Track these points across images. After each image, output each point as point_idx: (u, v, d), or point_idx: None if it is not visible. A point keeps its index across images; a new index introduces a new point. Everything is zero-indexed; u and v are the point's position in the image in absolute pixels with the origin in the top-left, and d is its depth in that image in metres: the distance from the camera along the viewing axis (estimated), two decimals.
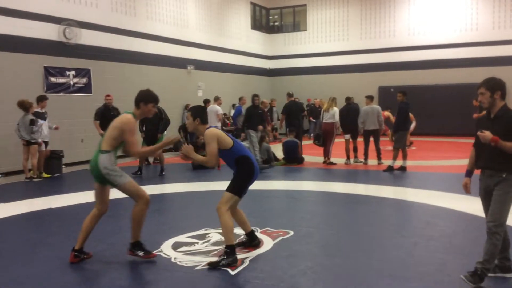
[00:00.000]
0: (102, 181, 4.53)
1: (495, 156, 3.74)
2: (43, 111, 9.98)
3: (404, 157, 10.09)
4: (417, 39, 19.57)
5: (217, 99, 13.56)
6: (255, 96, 11.17)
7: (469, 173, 4.05)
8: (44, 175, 10.00)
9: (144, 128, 10.24)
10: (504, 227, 3.74)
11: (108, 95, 10.61)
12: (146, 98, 4.58)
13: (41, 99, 10.02)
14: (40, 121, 9.73)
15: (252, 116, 10.80)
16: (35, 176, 9.70)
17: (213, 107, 13.27)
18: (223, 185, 8.93)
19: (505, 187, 3.72)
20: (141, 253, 4.60)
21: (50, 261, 4.73)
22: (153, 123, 9.96)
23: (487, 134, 3.71)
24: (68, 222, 6.37)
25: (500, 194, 3.73)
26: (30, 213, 6.95)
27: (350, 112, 11.32)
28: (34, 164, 9.68)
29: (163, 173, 10.08)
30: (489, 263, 3.70)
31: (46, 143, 10.02)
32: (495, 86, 3.79)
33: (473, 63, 18.00)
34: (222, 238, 5.25)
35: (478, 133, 3.80)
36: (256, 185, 8.93)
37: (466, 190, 4.03)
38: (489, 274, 3.86)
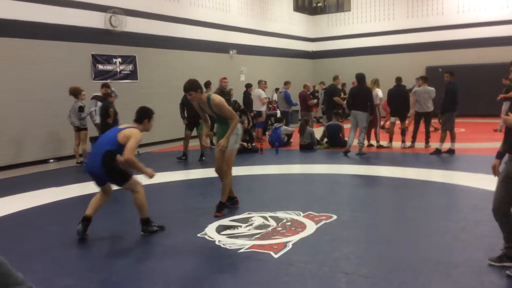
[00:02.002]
0: None
1: None
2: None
3: (453, 140, 9.79)
4: (467, 16, 18.74)
5: (260, 83, 13.61)
6: (362, 75, 10.58)
7: (499, 155, 3.83)
8: None
9: (186, 114, 10.24)
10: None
11: (224, 78, 10.78)
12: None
13: (102, 86, 10.25)
14: (94, 107, 9.99)
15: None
16: (86, 161, 10.05)
17: (257, 92, 13.35)
18: (265, 169, 9.03)
19: None
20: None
21: (101, 243, 4.94)
22: (194, 109, 9.96)
23: (510, 118, 3.51)
24: (118, 205, 6.60)
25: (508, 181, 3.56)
26: (81, 197, 7.23)
27: (398, 93, 11.00)
28: (84, 149, 10.04)
29: (203, 158, 10.20)
30: None
31: None
32: None
33: None
34: (265, 221, 5.33)
35: (502, 115, 3.58)
36: (299, 169, 9.00)
37: (494, 172, 3.83)
38: (495, 264, 3.76)
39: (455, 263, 3.94)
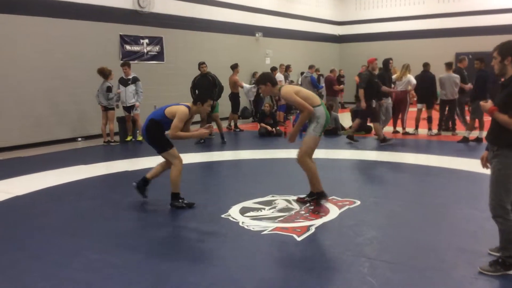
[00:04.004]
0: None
1: (494, 128, 3.46)
2: (127, 77, 10.21)
3: (481, 128, 9.61)
4: (499, 1, 18.16)
5: (280, 67, 13.88)
6: (383, 61, 10.32)
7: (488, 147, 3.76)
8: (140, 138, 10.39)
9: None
10: (504, 208, 3.40)
11: (375, 59, 9.87)
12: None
13: (121, 65, 10.42)
14: (122, 88, 10.17)
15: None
16: (112, 140, 10.25)
17: (278, 76, 13.60)
18: (289, 153, 9.03)
19: (496, 164, 3.42)
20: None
21: (128, 220, 5.06)
22: (207, 90, 9.90)
23: (487, 104, 3.46)
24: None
25: (492, 172, 3.46)
26: (109, 175, 7.40)
27: (425, 80, 10.80)
28: (112, 129, 10.22)
29: (225, 140, 10.25)
30: (506, 250, 3.45)
31: (127, 109, 10.28)
32: (506, 51, 3.40)
33: None
34: (288, 205, 5.36)
35: (481, 102, 3.57)
36: (322, 154, 8.98)
37: (482, 163, 3.73)
38: (494, 254, 3.67)
39: (480, 252, 3.90)
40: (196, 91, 10.00)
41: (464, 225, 4.65)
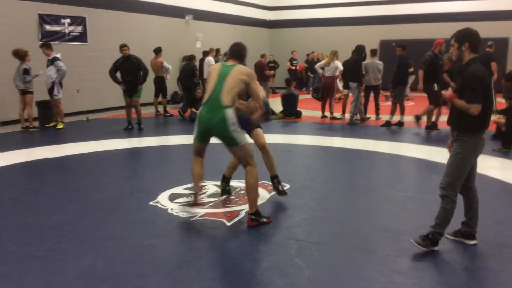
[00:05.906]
0: (223, 139, 4.29)
1: (454, 114, 3.67)
2: (50, 58, 9.65)
3: (402, 112, 10.07)
4: None
5: (210, 51, 13.70)
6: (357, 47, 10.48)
7: None
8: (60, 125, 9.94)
9: (121, 80, 9.58)
10: (454, 190, 3.60)
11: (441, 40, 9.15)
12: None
13: (39, 47, 9.79)
14: (40, 71, 9.60)
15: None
16: (31, 126, 9.66)
17: (207, 60, 13.44)
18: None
19: (455, 148, 3.63)
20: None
21: (49, 210, 4.79)
22: (131, 74, 9.51)
23: (447, 93, 3.69)
24: (65, 172, 6.42)
25: (451, 155, 3.66)
26: (28, 163, 6.98)
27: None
28: (30, 114, 9.63)
29: (142, 126, 9.82)
30: (439, 227, 3.64)
31: (49, 92, 9.72)
32: (463, 37, 3.58)
33: (483, 16, 17.44)
34: (218, 190, 5.32)
35: (442, 91, 3.78)
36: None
37: (448, 149, 3.88)
38: (450, 237, 3.87)
39: (401, 230, 4.09)
40: (118, 74, 9.55)
41: (387, 206, 4.85)
